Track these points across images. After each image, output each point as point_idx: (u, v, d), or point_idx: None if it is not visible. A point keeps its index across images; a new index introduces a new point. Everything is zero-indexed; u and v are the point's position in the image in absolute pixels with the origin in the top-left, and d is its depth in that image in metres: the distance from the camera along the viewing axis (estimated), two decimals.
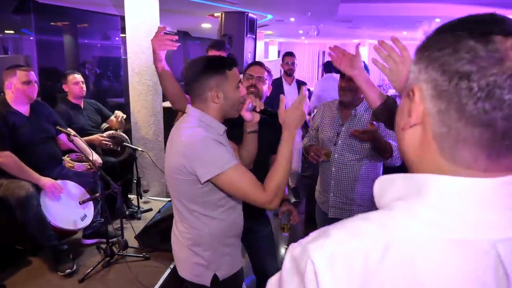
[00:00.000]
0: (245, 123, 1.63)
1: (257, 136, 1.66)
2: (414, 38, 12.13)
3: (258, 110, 1.56)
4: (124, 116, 3.64)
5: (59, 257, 2.69)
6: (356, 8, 6.68)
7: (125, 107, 4.09)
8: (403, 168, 0.58)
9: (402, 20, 7.64)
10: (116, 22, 7.02)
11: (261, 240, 2.18)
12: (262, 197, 1.33)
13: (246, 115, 1.57)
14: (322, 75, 15.59)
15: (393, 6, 6.44)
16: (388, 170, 2.13)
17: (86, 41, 7.17)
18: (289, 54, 4.68)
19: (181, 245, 1.51)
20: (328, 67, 5.84)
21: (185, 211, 1.45)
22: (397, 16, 7.06)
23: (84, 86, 3.49)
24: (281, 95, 1.46)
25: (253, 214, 2.21)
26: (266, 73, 1.96)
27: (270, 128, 1.76)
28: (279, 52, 13.21)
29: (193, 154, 1.32)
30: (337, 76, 5.95)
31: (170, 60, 10.77)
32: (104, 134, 3.49)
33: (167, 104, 5.44)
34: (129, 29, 3.86)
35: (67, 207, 2.82)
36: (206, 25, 8.48)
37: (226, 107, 1.44)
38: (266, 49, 12.79)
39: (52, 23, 6.08)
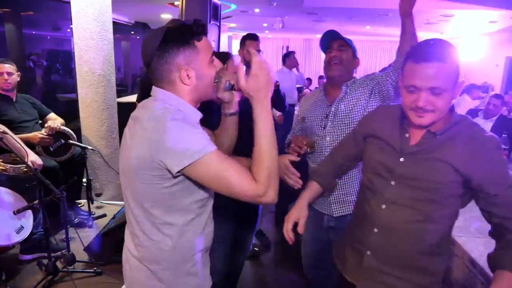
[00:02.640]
0: (223, 104, 1.33)
1: (237, 118, 1.37)
2: (376, 33, 12.32)
3: (237, 88, 1.22)
4: (58, 126, 3.13)
5: None
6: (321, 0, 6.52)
7: (78, 104, 3.63)
8: None
9: (366, 13, 7.60)
10: (67, 10, 6.39)
11: (243, 248, 2.07)
12: (253, 188, 1.04)
13: (224, 95, 1.27)
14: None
15: None
16: None
17: (32, 31, 6.52)
18: (252, 38, 3.13)
19: (134, 263, 1.19)
20: (283, 60, 5.67)
21: (144, 218, 1.14)
22: (362, 9, 6.99)
23: (10, 78, 2.98)
24: (238, 63, 1.12)
25: (244, 219, 2.03)
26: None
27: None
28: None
29: (160, 142, 1.01)
30: (289, 69, 5.65)
31: (127, 56, 10.25)
32: (43, 131, 3.02)
33: (124, 99, 5.03)
34: (75, 10, 3.39)
35: None
36: (166, 16, 8.02)
37: (201, 88, 1.13)
38: (229, 43, 12.45)
39: None
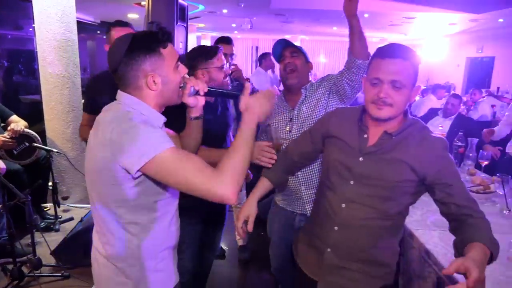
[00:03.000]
0: (188, 108, 1.38)
1: (201, 122, 1.43)
2: (343, 34, 12.61)
3: (202, 93, 1.30)
4: (21, 129, 3.05)
5: None
6: (288, 1, 6.64)
7: (42, 106, 3.55)
8: None
9: (332, 15, 7.80)
10: (29, 10, 6.17)
11: (211, 248, 2.11)
12: (216, 185, 1.03)
13: (189, 100, 1.31)
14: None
15: (324, 0, 6.50)
16: None
17: None
18: (225, 41, 2.99)
19: (102, 261, 1.22)
20: (260, 61, 5.72)
21: (110, 218, 1.16)
22: (328, 10, 7.17)
23: None
24: (247, 83, 1.28)
25: (212, 219, 2.03)
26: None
27: (221, 113, 1.65)
28: None
29: (119, 143, 1.04)
30: (264, 70, 5.63)
31: (93, 56, 10.00)
32: (6, 134, 2.95)
33: None
34: (38, 10, 3.32)
35: None
36: (133, 15, 7.90)
37: (166, 93, 1.17)
38: (198, 43, 12.40)
39: None
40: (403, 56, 1.22)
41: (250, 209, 1.48)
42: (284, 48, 1.87)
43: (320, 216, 1.43)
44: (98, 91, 2.13)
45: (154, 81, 1.13)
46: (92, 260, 1.28)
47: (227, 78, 1.88)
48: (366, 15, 7.48)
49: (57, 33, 3.35)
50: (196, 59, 1.78)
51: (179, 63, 1.20)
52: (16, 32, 6.51)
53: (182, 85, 1.24)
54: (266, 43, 15.50)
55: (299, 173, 1.85)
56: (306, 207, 1.86)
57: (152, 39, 1.13)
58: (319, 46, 15.56)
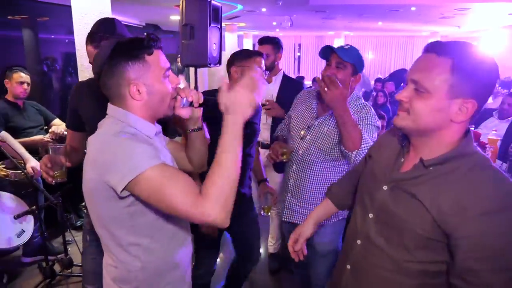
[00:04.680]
0: (184, 121, 1.28)
1: (203, 133, 1.33)
2: (390, 28, 12.07)
3: (196, 105, 1.20)
4: (61, 131, 3.19)
5: None
6: None
7: None
8: None
9: (377, 9, 7.44)
10: None
11: (246, 225, 2.04)
12: (198, 208, 0.93)
13: (182, 112, 1.18)
14: (298, 69, 15.47)
15: None
16: None
17: (48, 36, 6.68)
18: (261, 42, 2.94)
19: (108, 281, 1.18)
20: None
21: (110, 240, 1.11)
22: (372, 5, 6.85)
23: (28, 87, 3.07)
24: (221, 76, 1.09)
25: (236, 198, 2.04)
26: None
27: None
28: (253, 45, 12.87)
29: (103, 162, 0.99)
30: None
31: None
32: (47, 136, 3.10)
33: None
34: (76, 17, 3.44)
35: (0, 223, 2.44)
36: (175, 17, 8.07)
37: (153, 104, 1.09)
38: (240, 42, 12.43)
39: (9, 17, 5.61)
40: (439, 50, 0.89)
41: (302, 229, 1.39)
42: (331, 54, 1.69)
43: (341, 251, 1.24)
44: (79, 102, 1.75)
45: (138, 90, 1.05)
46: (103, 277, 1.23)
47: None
48: (413, 8, 7.06)
49: None
50: (235, 56, 1.83)
51: (169, 72, 1.12)
52: (68, 36, 6.89)
53: (174, 96, 1.15)
54: (309, 40, 15.23)
55: (290, 180, 1.85)
56: (284, 211, 1.90)
57: (136, 45, 1.06)
58: (365, 41, 15.01)
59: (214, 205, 0.94)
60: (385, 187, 1.03)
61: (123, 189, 0.98)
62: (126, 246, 1.10)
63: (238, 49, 2.28)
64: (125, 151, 0.98)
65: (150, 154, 0.99)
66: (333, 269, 1.33)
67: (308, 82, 9.00)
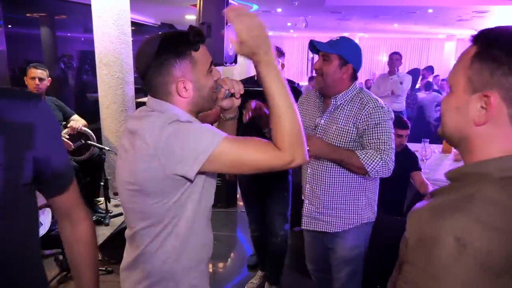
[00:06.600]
0: (224, 111, 1.26)
1: (236, 122, 1.31)
2: (405, 31, 11.95)
3: (238, 96, 1.18)
4: (79, 127, 3.26)
5: None
6: None
7: None
8: None
9: (393, 11, 7.38)
10: None
11: (276, 202, 2.40)
12: (280, 156, 0.98)
13: (224, 103, 1.18)
14: (311, 70, 15.37)
15: None
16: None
17: (65, 33, 6.80)
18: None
19: (133, 283, 1.12)
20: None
21: (146, 232, 1.07)
22: (388, 6, 6.79)
23: (41, 83, 3.12)
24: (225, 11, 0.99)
25: (272, 176, 2.18)
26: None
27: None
28: None
29: (168, 153, 0.97)
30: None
31: None
32: (66, 131, 3.15)
33: (145, 99, 5.15)
34: (96, 15, 3.50)
35: None
36: (190, 17, 8.11)
37: (199, 100, 1.08)
38: None
39: (28, 15, 5.72)
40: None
41: None
42: (318, 50, 1.71)
43: None
44: None
45: (185, 87, 1.04)
46: (121, 280, 1.17)
47: None
48: (430, 11, 6.98)
49: (113, 35, 3.51)
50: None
51: (212, 66, 1.10)
52: (85, 34, 7.00)
53: (216, 89, 1.14)
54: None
55: (306, 185, 1.83)
56: (302, 219, 1.85)
57: (182, 41, 1.03)
58: (380, 43, 14.89)
59: (292, 152, 0.98)
60: None
61: (197, 171, 0.98)
62: (164, 237, 1.07)
63: None
64: (188, 135, 0.97)
65: (212, 130, 1.00)
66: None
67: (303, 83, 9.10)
